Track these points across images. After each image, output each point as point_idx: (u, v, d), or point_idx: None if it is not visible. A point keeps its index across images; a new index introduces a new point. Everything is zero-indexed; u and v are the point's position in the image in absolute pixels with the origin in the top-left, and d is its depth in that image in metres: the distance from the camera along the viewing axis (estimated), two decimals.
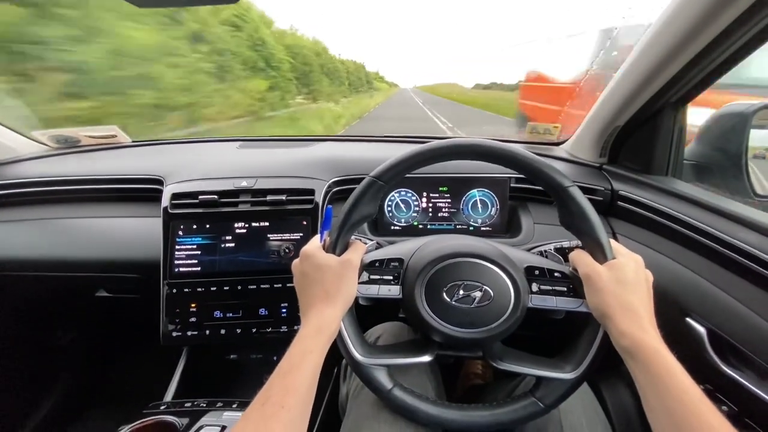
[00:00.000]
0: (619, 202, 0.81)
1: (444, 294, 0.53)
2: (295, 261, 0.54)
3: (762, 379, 0.56)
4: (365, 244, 0.67)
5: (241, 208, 0.83)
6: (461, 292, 0.53)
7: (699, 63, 0.67)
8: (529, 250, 0.70)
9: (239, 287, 0.81)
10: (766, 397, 0.55)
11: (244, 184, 0.86)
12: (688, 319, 0.65)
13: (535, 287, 0.54)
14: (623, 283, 0.46)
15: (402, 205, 0.91)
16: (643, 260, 0.50)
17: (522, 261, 0.56)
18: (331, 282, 0.50)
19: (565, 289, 0.53)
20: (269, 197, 0.83)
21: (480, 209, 0.91)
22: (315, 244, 0.54)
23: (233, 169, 0.90)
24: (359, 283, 0.54)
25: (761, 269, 0.57)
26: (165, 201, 0.83)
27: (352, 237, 0.70)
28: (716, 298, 0.63)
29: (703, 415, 0.36)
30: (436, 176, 0.90)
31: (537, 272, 0.55)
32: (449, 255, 0.54)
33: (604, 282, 0.47)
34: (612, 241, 0.51)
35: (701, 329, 0.63)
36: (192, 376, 0.87)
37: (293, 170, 0.91)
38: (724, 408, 0.64)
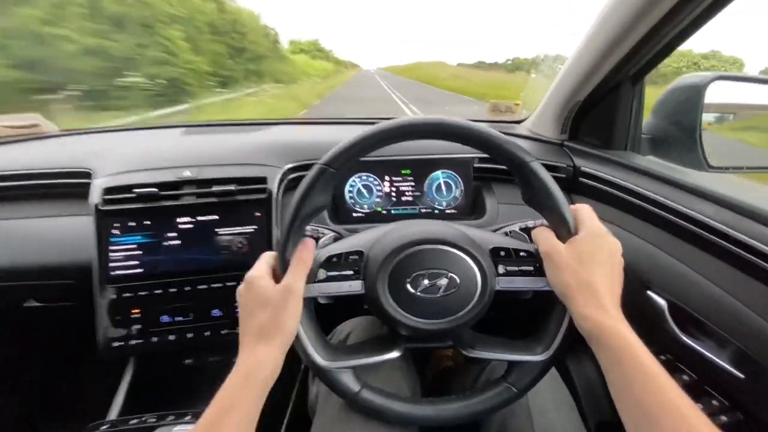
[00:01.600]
0: (581, 179, 0.81)
1: (408, 285, 0.50)
2: (240, 287, 0.48)
3: (720, 348, 0.57)
4: (318, 238, 0.62)
5: (185, 201, 0.75)
6: (426, 281, 0.50)
7: (655, 36, 0.66)
8: (494, 231, 0.68)
9: (188, 288, 0.74)
10: (724, 364, 0.56)
11: (186, 174, 0.77)
12: (649, 292, 0.66)
13: (501, 269, 0.52)
14: (583, 260, 0.44)
15: (364, 191, 0.87)
16: (608, 231, 0.48)
17: (487, 242, 0.54)
18: (268, 315, 0.45)
19: (532, 268, 0.51)
20: (216, 188, 0.75)
21: (444, 191, 0.88)
22: (260, 266, 0.49)
23: (175, 158, 0.81)
24: (316, 281, 0.50)
25: (718, 240, 0.57)
26: (95, 197, 0.74)
27: (309, 228, 0.65)
28: (676, 271, 0.64)
29: (664, 393, 0.36)
30: (398, 159, 0.86)
31: (503, 253, 0.52)
32: (411, 243, 0.50)
33: (563, 260, 0.45)
34: (583, 211, 0.49)
35: (662, 302, 0.64)
36: (142, 388, 0.80)
37: (243, 157, 0.83)
38: (685, 377, 0.66)
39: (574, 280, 0.44)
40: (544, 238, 0.48)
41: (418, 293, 0.50)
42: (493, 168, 0.88)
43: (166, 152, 0.85)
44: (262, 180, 0.78)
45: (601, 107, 0.79)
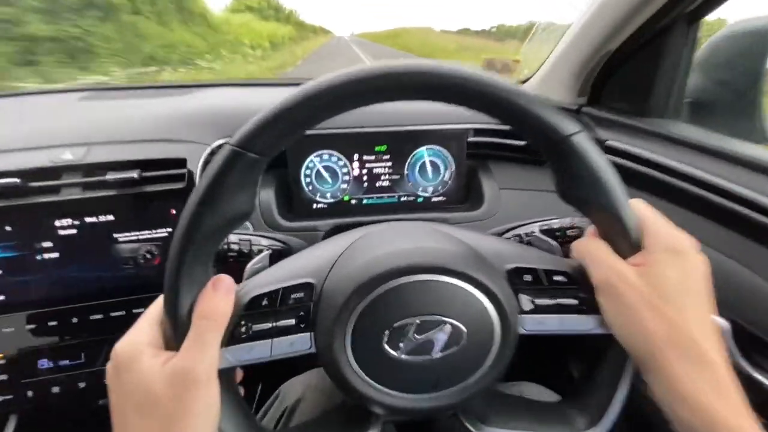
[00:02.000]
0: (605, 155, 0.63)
1: (385, 344, 0.31)
2: (109, 367, 0.29)
3: None
4: (244, 254, 0.42)
5: (66, 195, 0.52)
6: (414, 335, 0.31)
7: None
8: (501, 234, 0.49)
9: (75, 320, 0.52)
10: None
11: (67, 156, 0.54)
12: None
13: (526, 302, 0.33)
14: (667, 293, 0.28)
15: (326, 174, 0.66)
16: (692, 243, 0.31)
17: (502, 258, 0.35)
18: (154, 428, 0.26)
19: (575, 301, 0.33)
20: (111, 175, 0.53)
21: (430, 173, 0.68)
22: (141, 329, 0.29)
23: (54, 134, 0.58)
24: (233, 343, 0.30)
25: None
26: None
27: (234, 239, 0.44)
28: (743, 282, 0.47)
29: None
30: (370, 132, 0.65)
31: (528, 277, 0.34)
32: (387, 273, 0.31)
33: (635, 293, 0.28)
34: (645, 212, 0.31)
35: (723, 322, 0.48)
36: None
37: (154, 130, 0.60)
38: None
39: (662, 329, 0.27)
40: (597, 254, 0.31)
41: (403, 356, 0.31)
42: (492, 143, 0.68)
43: (40, 125, 0.60)
44: (180, 163, 0.56)
45: (638, 59, 0.60)
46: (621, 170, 0.58)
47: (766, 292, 0.45)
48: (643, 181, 0.58)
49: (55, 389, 0.52)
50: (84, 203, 0.53)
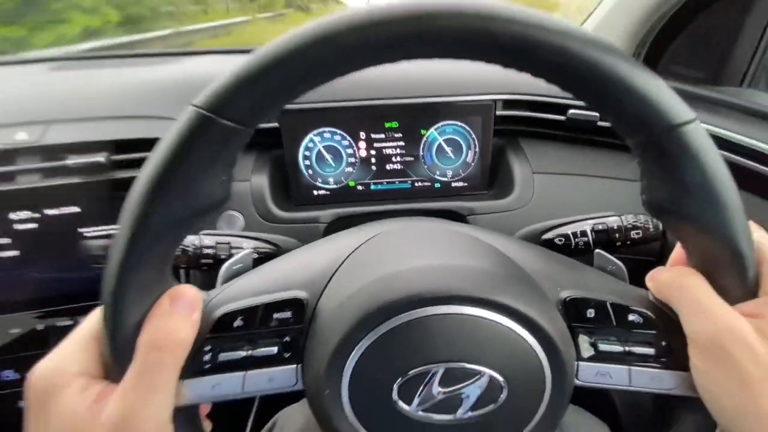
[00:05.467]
0: None
1: (396, 394, 0.23)
2: (27, 391, 0.22)
3: None
4: (218, 258, 0.34)
5: (22, 183, 0.45)
6: (437, 388, 0.23)
7: None
8: (539, 234, 0.40)
9: (40, 327, 0.46)
10: None
11: (21, 137, 0.46)
12: None
13: (586, 345, 0.25)
14: None
15: (328, 156, 0.57)
16: None
17: (555, 284, 0.26)
18: None
19: (652, 350, 0.24)
20: (73, 159, 0.45)
21: (450, 154, 0.58)
22: (68, 349, 0.22)
23: (9, 111, 0.49)
24: (193, 375, 0.23)
25: None
26: None
27: (207, 242, 0.36)
28: None
29: None
30: (379, 105, 0.55)
31: (591, 312, 0.25)
32: (405, 301, 0.22)
33: (758, 367, 0.20)
34: (760, 237, 0.22)
35: None
36: None
37: (125, 106, 0.51)
38: None
39: None
40: (700, 299, 0.22)
41: (419, 412, 0.23)
42: (526, 117, 0.57)
43: None
44: (155, 143, 0.47)
45: (712, 15, 0.48)
46: None
47: None
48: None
49: (21, 403, 0.46)
50: (43, 192, 0.45)
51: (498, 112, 0.57)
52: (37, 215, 0.45)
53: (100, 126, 0.49)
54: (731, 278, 0.22)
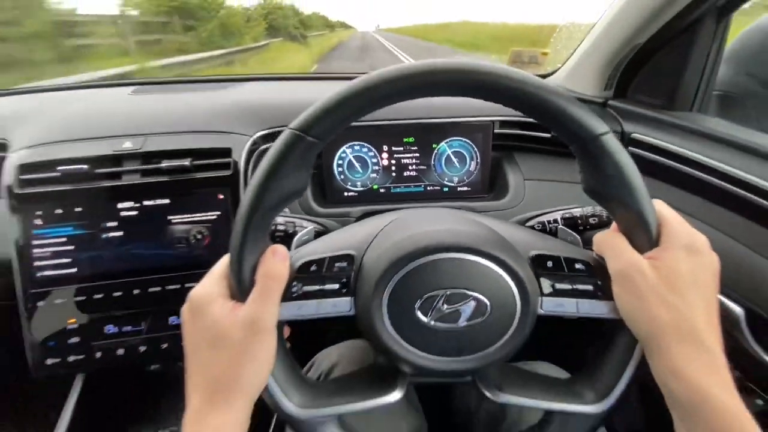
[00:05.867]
0: (631, 148, 0.64)
1: (417, 311, 0.35)
2: (184, 309, 0.33)
3: None
4: (292, 233, 0.46)
5: (126, 180, 0.59)
6: (443, 306, 0.35)
7: None
8: (524, 221, 0.52)
9: (136, 291, 0.59)
10: None
11: (127, 145, 0.60)
12: (720, 297, 0.51)
13: (547, 285, 0.36)
14: (677, 287, 0.30)
15: (357, 164, 0.70)
16: (706, 242, 0.33)
17: (527, 246, 0.38)
18: (223, 364, 0.31)
19: (591, 287, 0.36)
20: (166, 163, 0.59)
21: (456, 164, 0.71)
22: (212, 281, 0.34)
23: (114, 125, 0.64)
24: (286, 300, 0.35)
25: None
26: (8, 176, 0.57)
27: (281, 220, 0.49)
28: (758, 270, 0.49)
29: None
30: (399, 123, 0.68)
31: (549, 263, 0.37)
32: (421, 250, 0.35)
33: (648, 285, 0.30)
34: (664, 210, 0.34)
35: (737, 309, 0.50)
36: (96, 401, 0.67)
37: (202, 122, 0.65)
38: (759, 402, 0.53)
39: (667, 317, 0.30)
40: (616, 248, 0.33)
41: (432, 322, 0.35)
42: (519, 135, 0.70)
43: (103, 117, 0.67)
44: (226, 152, 0.61)
45: (666, 53, 0.61)
46: (646, 162, 0.61)
47: None
48: (667, 173, 0.59)
49: (120, 351, 0.59)
50: (142, 188, 0.59)
51: (496, 131, 0.70)
52: (137, 205, 0.59)
53: (184, 138, 0.63)
54: (640, 236, 0.33)
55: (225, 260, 0.35)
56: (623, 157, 0.31)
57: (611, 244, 0.34)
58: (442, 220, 0.40)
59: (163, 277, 0.59)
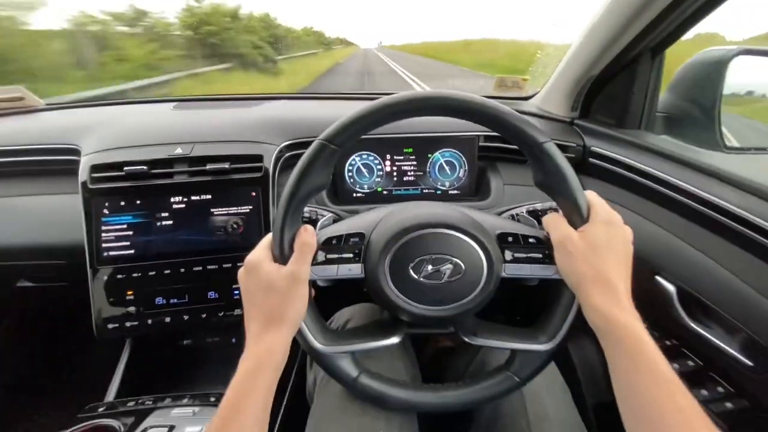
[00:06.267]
0: (591, 159, 0.77)
1: (410, 271, 0.47)
2: (241, 271, 0.46)
3: (729, 335, 0.56)
4: (315, 220, 0.59)
5: (177, 179, 0.72)
6: (429, 267, 0.47)
7: (678, 7, 0.61)
8: (499, 214, 0.65)
9: (182, 270, 0.72)
10: (732, 352, 0.55)
11: (178, 151, 0.74)
12: (657, 278, 0.64)
13: (508, 255, 0.49)
14: (597, 249, 0.42)
15: (364, 170, 0.83)
16: (621, 219, 0.45)
17: (494, 227, 0.51)
18: (275, 303, 0.43)
19: (540, 255, 0.49)
20: (209, 166, 0.72)
21: (448, 171, 0.84)
22: (261, 250, 0.46)
23: (166, 134, 0.78)
24: (315, 264, 0.47)
25: (735, 225, 0.55)
26: (83, 174, 0.71)
27: (306, 209, 0.62)
28: (687, 256, 0.61)
29: (673, 396, 0.34)
30: (400, 137, 0.82)
31: (510, 239, 0.50)
32: (414, 227, 0.48)
33: (577, 249, 0.43)
34: (592, 197, 0.46)
35: (671, 287, 0.62)
36: (139, 369, 0.79)
37: (237, 134, 0.79)
38: (690, 363, 0.65)
39: (588, 270, 0.42)
40: (556, 225, 0.46)
41: (421, 279, 0.47)
42: (499, 147, 0.84)
43: (157, 128, 0.81)
44: (258, 158, 0.75)
45: (616, 82, 0.75)
46: (603, 170, 0.74)
47: (706, 264, 0.59)
48: (619, 179, 0.72)
49: (167, 319, 0.71)
50: (189, 186, 0.72)
51: (480, 143, 0.84)
52: (185, 199, 0.72)
53: (224, 146, 0.76)
54: (575, 216, 0.45)
55: (269, 237, 0.48)
56: (561, 159, 0.44)
57: (553, 222, 0.46)
58: (432, 207, 0.53)
59: (205, 258, 0.72)
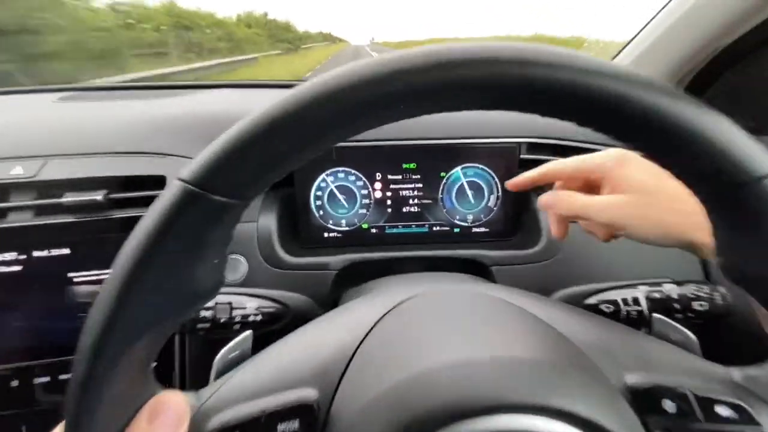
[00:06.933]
0: None
1: None
2: None
3: None
4: (226, 325, 0.30)
5: (12, 221, 0.41)
6: None
7: None
8: (580, 298, 0.35)
9: (14, 383, 0.41)
10: None
11: (17, 171, 0.43)
12: None
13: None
14: None
15: (340, 197, 0.53)
16: None
17: (618, 365, 0.22)
18: None
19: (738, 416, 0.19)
20: (70, 197, 0.42)
21: (471, 198, 0.54)
22: None
23: (10, 143, 0.47)
24: None
25: None
26: None
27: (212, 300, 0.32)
28: None
29: None
30: (397, 145, 0.52)
31: (669, 405, 0.20)
32: (446, 414, 0.18)
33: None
34: None
35: None
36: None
37: (128, 141, 0.48)
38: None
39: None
40: None
41: None
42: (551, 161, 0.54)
43: (4, 132, 0.50)
44: (158, 181, 0.44)
45: (758, 61, 0.45)
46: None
47: None
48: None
49: None
50: (33, 232, 0.41)
51: (522, 156, 0.54)
52: (23, 257, 0.41)
53: (102, 161, 0.46)
54: None
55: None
56: None
57: None
58: (474, 324, 0.23)
59: (56, 362, 0.41)
